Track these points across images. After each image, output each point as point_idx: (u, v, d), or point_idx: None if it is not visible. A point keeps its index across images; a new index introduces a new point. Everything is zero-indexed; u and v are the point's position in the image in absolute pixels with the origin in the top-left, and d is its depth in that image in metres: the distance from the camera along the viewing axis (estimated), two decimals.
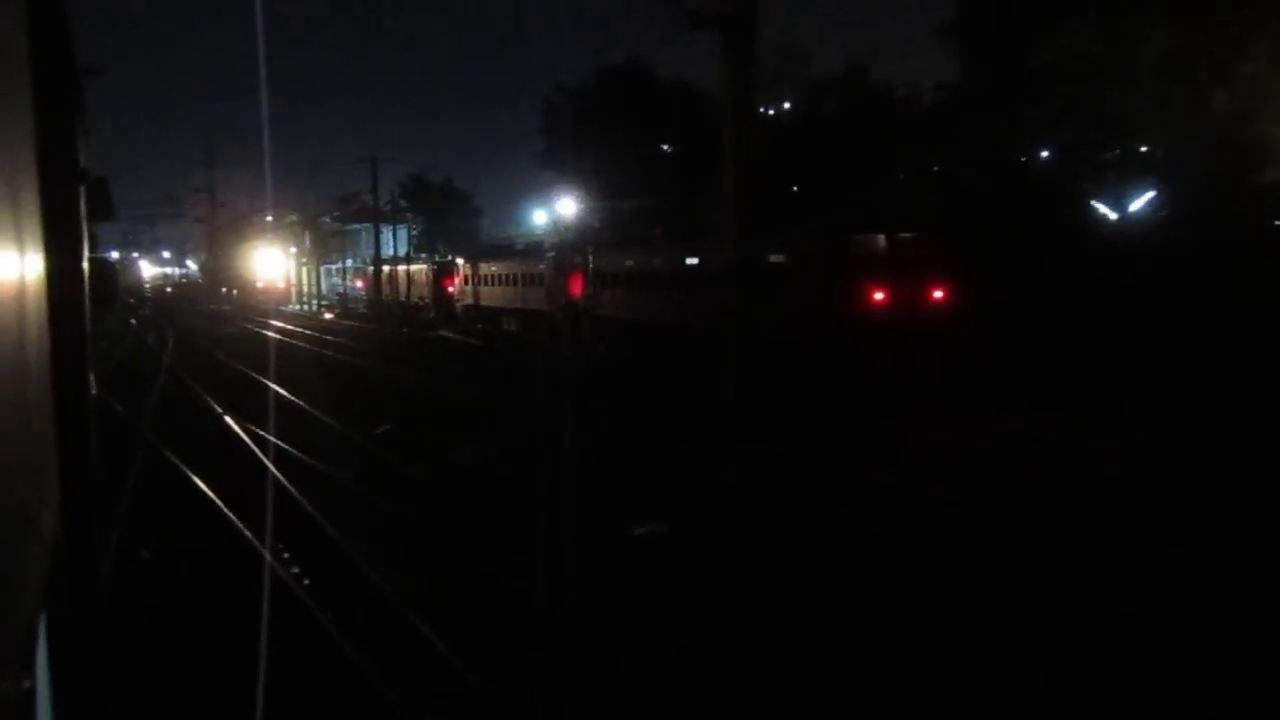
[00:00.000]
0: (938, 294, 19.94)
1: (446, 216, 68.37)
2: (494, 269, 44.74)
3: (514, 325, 41.74)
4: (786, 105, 43.01)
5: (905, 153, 39.22)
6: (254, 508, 10.99)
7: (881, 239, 20.30)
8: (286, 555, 9.99)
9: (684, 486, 12.54)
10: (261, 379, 23.36)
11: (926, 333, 18.97)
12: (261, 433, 16.29)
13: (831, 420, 16.85)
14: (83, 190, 2.52)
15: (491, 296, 44.51)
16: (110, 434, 15.34)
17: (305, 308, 73.35)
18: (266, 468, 13.58)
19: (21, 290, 1.59)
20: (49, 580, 1.65)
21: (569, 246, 38.83)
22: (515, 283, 41.60)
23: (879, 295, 19.56)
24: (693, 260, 25.86)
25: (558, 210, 50.49)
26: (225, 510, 11.49)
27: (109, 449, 12.64)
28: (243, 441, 15.99)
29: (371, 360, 29.73)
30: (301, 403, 19.87)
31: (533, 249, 46.85)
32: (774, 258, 22.08)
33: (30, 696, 1.33)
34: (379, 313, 52.45)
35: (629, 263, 29.98)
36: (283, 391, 21.37)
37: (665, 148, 48.53)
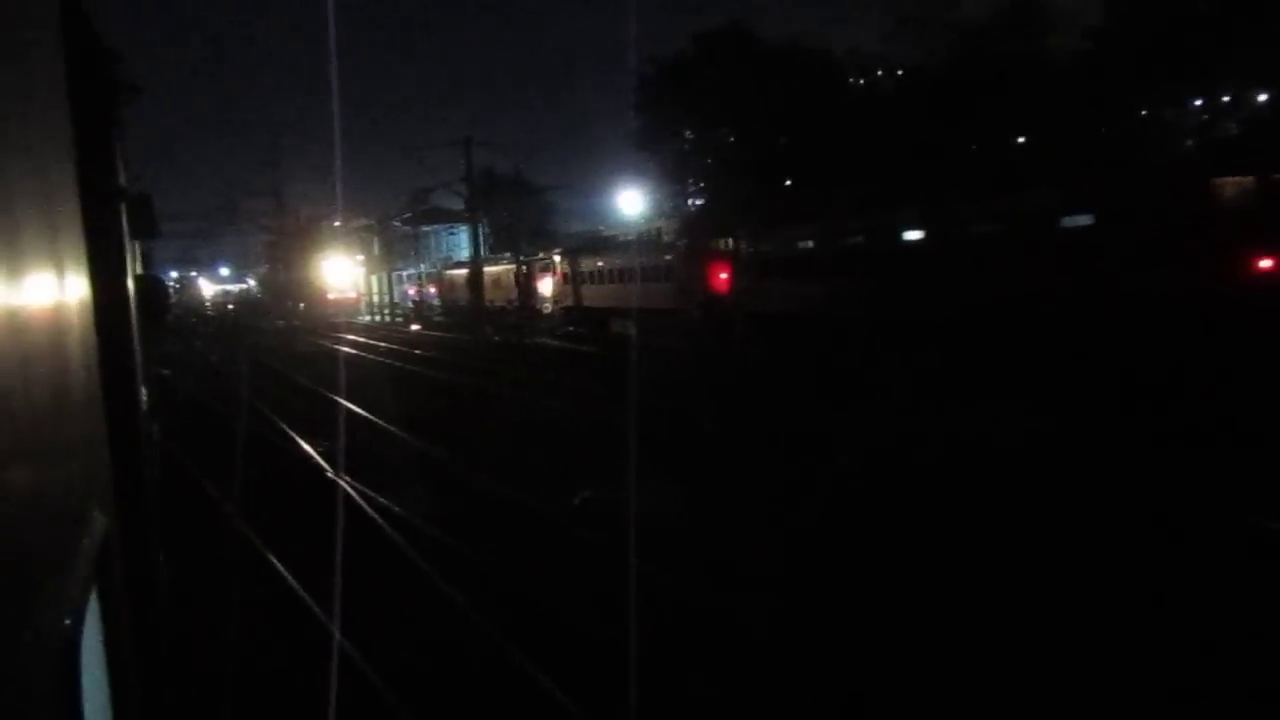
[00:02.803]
0: None
1: (520, 212, 63.30)
2: (600, 264, 39.16)
3: (630, 328, 36.07)
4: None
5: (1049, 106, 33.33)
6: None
7: (1252, 182, 14.14)
8: None
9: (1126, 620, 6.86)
10: (371, 416, 17.94)
11: None
12: (401, 511, 10.81)
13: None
14: (124, 208, 2.57)
15: (599, 296, 38.93)
16: (189, 526, 9.87)
17: (378, 318, 68.53)
18: (437, 589, 8.05)
19: (64, 307, 1.66)
20: (97, 568, 1.62)
21: (705, 229, 33.08)
22: (630, 278, 35.92)
23: (1265, 263, 13.42)
24: (913, 234, 19.89)
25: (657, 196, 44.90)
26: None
27: (188, 555, 7.22)
28: (380, 529, 10.40)
29: (493, 381, 24.16)
30: (439, 453, 14.38)
31: (647, 238, 41.24)
32: (1069, 220, 16.08)
33: (75, 676, 1.32)
34: (467, 320, 47.21)
35: (805, 243, 24.02)
36: (406, 436, 15.92)
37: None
